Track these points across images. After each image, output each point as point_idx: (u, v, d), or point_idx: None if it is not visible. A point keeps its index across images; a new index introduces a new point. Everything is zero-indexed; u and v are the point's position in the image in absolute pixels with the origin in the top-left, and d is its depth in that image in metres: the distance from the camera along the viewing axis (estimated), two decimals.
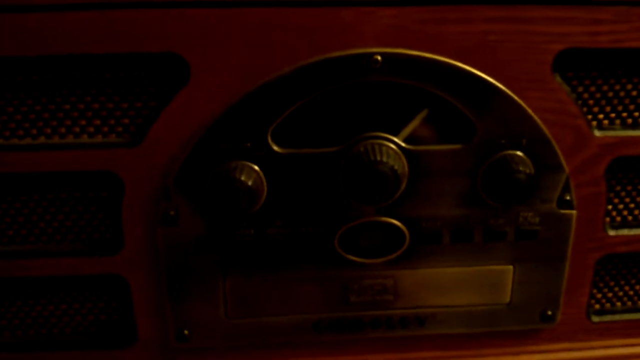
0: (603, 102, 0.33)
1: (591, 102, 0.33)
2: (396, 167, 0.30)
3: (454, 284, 0.34)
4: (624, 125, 0.33)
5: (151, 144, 0.30)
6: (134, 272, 0.33)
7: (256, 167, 0.31)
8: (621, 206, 0.35)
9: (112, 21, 0.28)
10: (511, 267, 0.34)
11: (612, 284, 0.37)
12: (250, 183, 0.30)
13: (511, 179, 0.31)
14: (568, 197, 0.33)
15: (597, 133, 0.32)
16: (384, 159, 0.30)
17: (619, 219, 0.36)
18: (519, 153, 0.31)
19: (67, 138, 0.31)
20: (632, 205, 0.35)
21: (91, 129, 0.31)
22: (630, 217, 0.36)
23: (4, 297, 0.34)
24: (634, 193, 0.35)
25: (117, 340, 0.35)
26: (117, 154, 0.30)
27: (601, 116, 0.33)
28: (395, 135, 0.31)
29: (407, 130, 0.31)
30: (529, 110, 0.31)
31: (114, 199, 0.32)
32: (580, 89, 0.33)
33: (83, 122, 0.31)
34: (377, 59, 0.29)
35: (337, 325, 0.35)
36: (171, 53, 0.29)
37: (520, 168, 0.31)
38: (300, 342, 0.35)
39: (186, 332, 0.34)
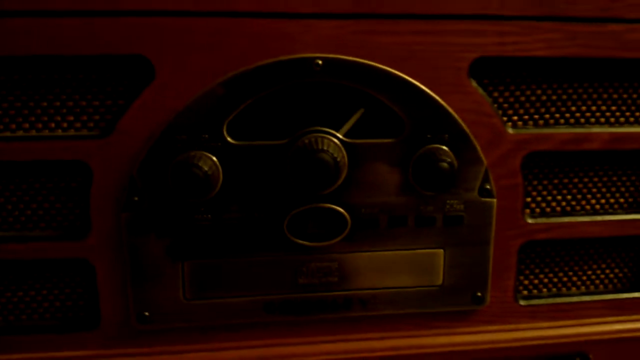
0: (516, 105, 0.39)
1: (505, 105, 0.39)
2: (337, 157, 0.35)
3: (392, 267, 0.39)
4: (536, 125, 0.40)
5: (119, 136, 0.35)
6: (99, 257, 0.37)
7: (213, 157, 0.36)
8: (539, 198, 0.41)
9: (87, 26, 0.33)
10: (442, 250, 0.39)
11: (537, 271, 0.43)
12: (206, 169, 0.34)
13: (436, 167, 0.36)
14: (488, 187, 0.39)
15: (510, 131, 0.39)
16: (326, 149, 0.35)
17: (537, 210, 0.41)
18: (443, 147, 0.37)
19: (43, 132, 0.36)
20: (549, 198, 0.41)
21: (65, 124, 0.36)
22: (548, 208, 0.42)
23: None
24: (550, 186, 0.41)
25: (82, 324, 0.38)
26: (87, 145, 0.35)
27: (515, 118, 0.40)
28: (337, 130, 0.37)
29: (346, 126, 0.37)
30: (450, 110, 0.37)
31: (84, 188, 0.36)
32: (495, 94, 0.39)
33: (58, 118, 0.36)
34: (318, 63, 0.35)
35: (287, 307, 0.39)
36: (138, 55, 0.34)
37: (444, 158, 0.36)
38: (253, 323, 0.39)
39: (147, 313, 0.37)
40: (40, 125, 0.36)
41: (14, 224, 0.37)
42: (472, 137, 0.38)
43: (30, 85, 0.35)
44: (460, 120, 0.37)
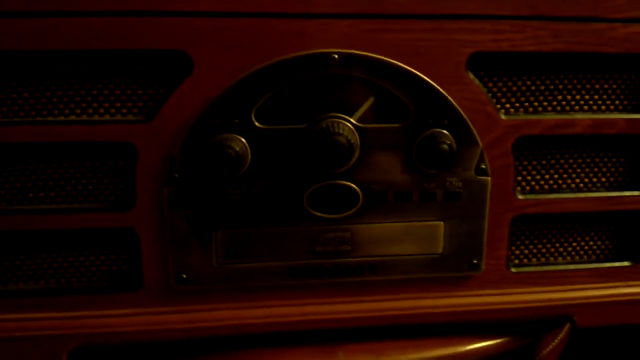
0: (508, 94, 0.45)
1: (499, 94, 0.45)
2: (351, 139, 0.41)
3: (398, 237, 0.45)
4: (526, 112, 0.45)
5: (161, 121, 0.41)
6: (143, 226, 0.43)
7: (242, 139, 0.41)
8: (529, 177, 0.47)
9: (135, 25, 0.39)
10: (442, 223, 0.45)
11: (527, 242, 0.49)
12: (237, 149, 0.40)
13: (438, 149, 0.42)
14: (484, 167, 0.44)
15: (503, 117, 0.44)
16: (341, 132, 0.41)
17: (528, 187, 0.47)
18: (443, 131, 0.43)
19: (94, 117, 0.42)
20: (538, 177, 0.47)
21: (113, 110, 0.42)
22: (537, 186, 0.47)
23: (34, 249, 0.44)
24: (539, 166, 0.47)
25: (127, 285, 0.44)
26: (133, 129, 0.41)
27: (508, 105, 0.45)
28: (351, 116, 0.43)
29: (359, 113, 0.43)
30: (450, 99, 0.43)
31: (130, 166, 0.42)
32: (490, 84, 0.45)
33: (107, 105, 0.41)
34: (334, 57, 0.41)
35: (306, 271, 0.45)
36: (180, 51, 0.40)
37: (444, 141, 0.42)
38: (277, 286, 0.45)
39: (184, 276, 0.43)
40: (91, 111, 0.41)
41: (67, 197, 0.43)
42: (469, 122, 0.43)
43: (83, 76, 0.41)
44: (459, 108, 0.43)
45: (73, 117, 0.41)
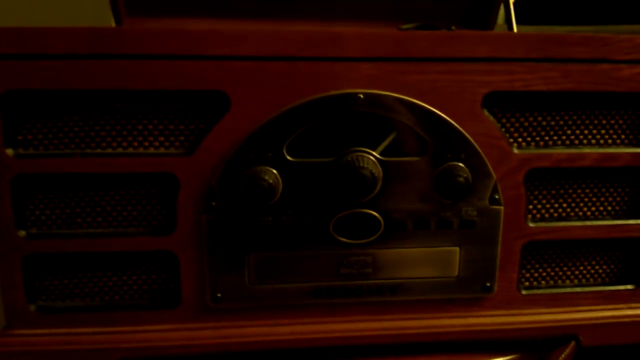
0: (520, 129, 0.49)
1: (512, 129, 0.49)
2: (374, 172, 0.45)
3: (416, 261, 0.49)
4: (537, 146, 0.49)
5: (201, 154, 0.45)
6: (182, 249, 0.47)
7: (275, 171, 0.46)
8: (539, 206, 0.51)
9: (178, 68, 0.44)
10: (458, 248, 0.49)
11: (537, 266, 0.53)
12: (270, 181, 0.45)
13: (454, 181, 0.46)
14: (497, 197, 0.48)
15: (515, 151, 0.48)
16: (365, 165, 0.45)
17: (538, 215, 0.51)
18: (460, 164, 0.47)
19: (139, 150, 0.46)
20: (547, 205, 0.51)
21: (157, 144, 0.46)
22: (547, 214, 0.51)
23: (83, 270, 0.48)
24: (548, 196, 0.51)
25: (166, 303, 0.49)
26: (176, 161, 0.45)
27: (520, 139, 0.49)
28: (374, 150, 0.47)
29: (381, 147, 0.47)
30: (466, 134, 0.47)
31: (171, 194, 0.46)
32: (504, 120, 0.49)
33: (151, 139, 0.46)
34: (360, 97, 0.45)
35: (331, 292, 0.49)
36: (218, 91, 0.44)
37: (460, 174, 0.46)
38: (303, 304, 0.49)
39: (219, 295, 0.48)
40: (136, 144, 0.46)
41: (113, 222, 0.47)
42: (484, 156, 0.47)
43: (130, 112, 0.45)
44: (474, 143, 0.47)
45: (120, 150, 0.46)
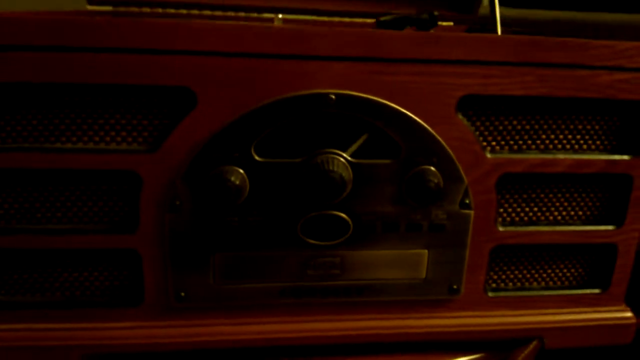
0: (495, 132, 0.48)
1: (486, 132, 0.48)
2: (344, 175, 0.44)
3: (384, 263, 0.49)
4: (511, 149, 0.49)
5: (165, 151, 0.44)
6: (145, 248, 0.46)
7: (242, 171, 0.45)
8: (510, 209, 0.51)
9: (143, 62, 0.42)
10: (426, 251, 0.49)
11: (505, 268, 0.53)
12: (237, 183, 0.44)
13: (425, 186, 0.46)
14: (467, 201, 0.48)
15: (489, 155, 0.48)
16: (335, 169, 0.44)
17: (508, 219, 0.51)
18: (431, 168, 0.46)
19: (100, 145, 0.45)
20: (518, 209, 0.51)
21: (119, 139, 0.45)
22: (517, 218, 0.51)
23: (44, 265, 0.47)
24: (519, 200, 0.51)
25: (129, 300, 0.48)
26: (138, 158, 0.44)
27: (494, 143, 0.49)
28: (344, 151, 0.46)
29: (352, 148, 0.46)
30: (439, 138, 0.46)
31: (134, 192, 0.45)
32: (478, 123, 0.48)
33: (113, 133, 0.44)
34: (331, 97, 0.44)
35: (297, 292, 0.49)
36: (184, 87, 0.43)
37: (432, 178, 0.46)
38: (270, 304, 0.49)
39: (183, 294, 0.47)
40: (97, 139, 0.44)
41: (73, 218, 0.46)
42: (456, 160, 0.47)
43: (90, 106, 0.44)
44: (447, 147, 0.46)
45: (81, 144, 0.44)
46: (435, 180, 0.46)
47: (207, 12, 0.85)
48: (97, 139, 0.45)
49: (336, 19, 0.86)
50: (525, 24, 1.00)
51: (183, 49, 0.42)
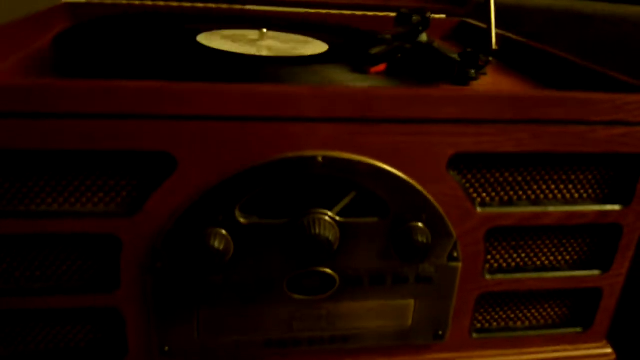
0: (485, 185, 0.47)
1: (477, 184, 0.47)
2: (331, 238, 0.43)
3: (370, 312, 0.49)
4: (501, 201, 0.48)
5: (145, 215, 0.42)
6: (127, 306, 0.45)
7: (225, 233, 0.43)
8: (498, 256, 0.51)
9: (118, 127, 0.40)
10: (412, 301, 0.49)
11: (490, 309, 0.53)
12: (221, 248, 0.43)
13: (414, 245, 0.45)
14: (455, 254, 0.47)
15: (479, 210, 0.47)
16: (322, 232, 0.43)
17: (496, 265, 0.51)
18: (420, 225, 0.46)
19: (76, 206, 0.43)
20: (506, 256, 0.51)
21: (96, 199, 0.43)
22: (504, 264, 0.51)
23: (24, 321, 0.46)
24: (507, 247, 0.50)
25: (113, 354, 0.48)
26: (117, 222, 0.43)
27: (484, 194, 0.48)
28: (331, 208, 0.45)
29: (339, 207, 0.45)
30: (429, 196, 0.45)
31: (113, 252, 0.44)
32: (469, 176, 0.47)
33: (89, 194, 0.43)
34: (319, 160, 0.42)
35: (283, 343, 0.49)
36: (164, 152, 0.41)
37: (420, 237, 0.45)
38: (254, 356, 0.49)
39: (167, 348, 0.47)
40: (73, 200, 0.43)
41: (54, 278, 0.45)
42: (445, 216, 0.46)
43: (64, 169, 0.42)
44: (436, 204, 0.45)
45: (56, 207, 0.43)
46: (424, 239, 0.45)
47: (187, 5, 0.81)
48: (73, 200, 0.43)
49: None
50: (520, 14, 0.96)
51: (160, 114, 0.40)
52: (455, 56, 0.67)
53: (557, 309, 0.55)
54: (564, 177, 0.48)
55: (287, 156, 0.42)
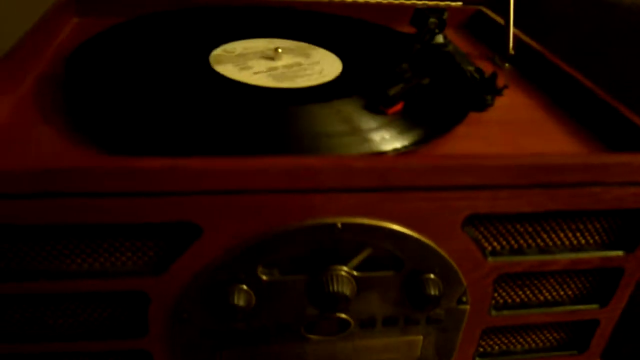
0: (497, 235, 0.49)
1: (488, 235, 0.49)
2: (348, 293, 0.46)
3: (382, 349, 0.52)
4: (511, 252, 0.50)
5: (171, 274, 0.45)
6: (155, 348, 0.48)
7: (247, 288, 0.46)
8: (504, 293, 0.53)
9: (146, 204, 0.41)
10: (421, 337, 0.52)
11: (492, 337, 0.57)
12: (243, 305, 0.45)
13: (426, 296, 0.47)
14: (464, 299, 0.50)
15: (489, 259, 0.49)
16: (340, 289, 0.45)
17: (501, 301, 0.54)
18: (432, 277, 0.48)
19: (106, 265, 0.45)
20: (512, 293, 0.53)
21: (124, 258, 0.45)
22: (510, 300, 0.54)
23: None
24: (514, 286, 0.53)
25: None
26: (146, 281, 0.45)
27: (495, 243, 0.49)
28: (347, 262, 0.47)
29: (355, 262, 0.47)
30: (442, 252, 0.47)
31: (142, 305, 0.46)
32: (482, 228, 0.48)
33: (117, 254, 0.44)
34: (338, 226, 0.44)
35: None
36: (190, 222, 0.42)
37: (432, 291, 0.47)
38: None
39: None
40: (102, 260, 0.45)
41: (86, 324, 0.48)
42: (457, 268, 0.48)
43: (93, 235, 0.43)
44: (449, 259, 0.47)
45: (86, 266, 0.44)
46: (436, 292, 0.47)
47: None
48: (102, 259, 0.45)
49: None
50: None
51: (183, 190, 0.41)
52: (472, 68, 0.66)
53: (555, 334, 0.58)
54: (573, 226, 0.50)
55: (307, 224, 0.44)
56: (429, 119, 0.53)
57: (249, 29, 0.69)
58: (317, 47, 0.66)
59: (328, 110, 0.52)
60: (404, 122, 0.51)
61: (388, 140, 0.49)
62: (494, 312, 0.53)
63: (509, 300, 0.54)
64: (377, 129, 0.50)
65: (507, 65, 0.71)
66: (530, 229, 0.49)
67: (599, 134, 0.56)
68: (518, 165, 0.44)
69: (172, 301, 0.46)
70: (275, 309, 0.48)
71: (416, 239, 0.46)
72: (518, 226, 0.49)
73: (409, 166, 0.43)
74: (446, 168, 0.43)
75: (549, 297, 0.54)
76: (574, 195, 0.46)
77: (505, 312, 0.53)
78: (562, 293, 0.54)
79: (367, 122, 0.50)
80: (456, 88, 0.59)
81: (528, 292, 0.54)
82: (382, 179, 0.43)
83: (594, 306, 0.55)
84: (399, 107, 0.52)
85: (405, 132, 0.50)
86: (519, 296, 0.54)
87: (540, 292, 0.54)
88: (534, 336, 0.58)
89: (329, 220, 0.44)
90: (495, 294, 0.53)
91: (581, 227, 0.50)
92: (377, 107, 0.52)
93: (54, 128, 0.49)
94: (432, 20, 0.72)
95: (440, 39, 0.72)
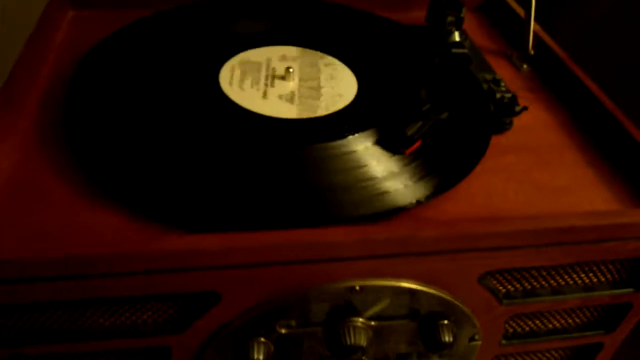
0: (513, 280, 0.50)
1: (502, 279, 0.49)
2: (364, 344, 0.47)
3: None
4: (524, 294, 0.51)
5: (192, 332, 0.46)
6: None
7: (266, 341, 0.47)
8: (514, 324, 0.55)
9: (169, 279, 0.41)
10: None
11: (502, 358, 0.59)
12: (262, 358, 0.46)
13: (441, 342, 0.49)
14: (477, 337, 0.52)
15: (504, 302, 0.50)
16: (357, 341, 0.47)
17: (511, 330, 0.55)
18: (447, 323, 0.49)
19: (128, 322, 0.46)
20: (521, 323, 0.55)
21: (145, 317, 0.46)
22: (519, 329, 0.55)
23: None
24: (524, 318, 0.54)
25: None
26: (167, 338, 0.46)
27: (509, 286, 0.50)
28: (363, 313, 0.48)
29: (371, 312, 0.48)
30: (459, 304, 0.48)
31: (165, 355, 0.48)
32: (497, 275, 0.49)
33: (139, 313, 0.45)
34: (356, 289, 0.44)
35: None
36: (211, 291, 0.43)
37: (447, 338, 0.48)
38: None
39: None
40: (124, 318, 0.45)
41: None
42: (472, 315, 0.49)
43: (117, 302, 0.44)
44: (465, 308, 0.48)
45: (108, 324, 0.45)
46: (450, 338, 0.49)
47: None
48: (123, 318, 0.45)
49: None
50: None
51: (207, 266, 0.41)
52: (490, 77, 0.65)
53: (561, 352, 0.60)
54: (586, 267, 0.50)
55: (326, 287, 0.44)
56: (448, 161, 0.51)
57: (250, 28, 0.66)
58: (326, 55, 0.63)
59: (344, 148, 0.50)
60: (422, 165, 0.50)
61: (408, 190, 0.48)
62: (504, 342, 0.55)
63: (519, 330, 0.56)
64: (396, 175, 0.49)
65: (525, 66, 0.68)
66: (544, 273, 0.50)
67: (620, 165, 0.55)
68: (537, 229, 0.44)
69: (193, 355, 0.47)
70: (293, 355, 0.49)
71: (434, 295, 0.46)
72: (533, 271, 0.49)
73: (429, 235, 0.43)
74: (467, 235, 0.43)
75: (558, 326, 0.56)
76: (591, 250, 0.46)
77: (515, 341, 0.55)
78: (570, 321, 0.56)
79: (385, 164, 0.49)
80: (475, 120, 0.56)
81: (538, 323, 0.55)
82: (403, 247, 0.43)
83: (600, 331, 0.57)
84: (416, 145, 0.51)
85: (424, 177, 0.49)
86: (529, 326, 0.55)
87: (550, 321, 0.55)
88: (540, 355, 0.60)
89: (348, 283, 0.44)
90: (507, 326, 0.54)
91: (594, 268, 0.51)
92: (395, 147, 0.51)
93: (64, 184, 0.48)
94: (449, 19, 0.69)
95: (456, 37, 0.69)
